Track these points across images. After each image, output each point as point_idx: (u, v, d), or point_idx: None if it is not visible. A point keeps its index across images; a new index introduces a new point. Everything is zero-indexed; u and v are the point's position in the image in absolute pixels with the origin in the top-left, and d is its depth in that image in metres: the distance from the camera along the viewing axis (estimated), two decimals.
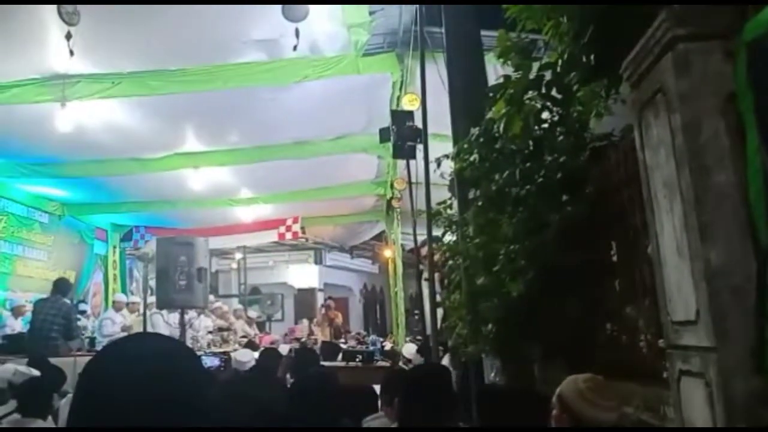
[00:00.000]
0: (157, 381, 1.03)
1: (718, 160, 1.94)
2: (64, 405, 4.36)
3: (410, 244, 8.39)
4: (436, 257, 5.59)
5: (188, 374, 1.09)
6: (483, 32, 5.69)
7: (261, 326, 14.66)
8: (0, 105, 7.11)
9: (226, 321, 12.37)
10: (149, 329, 9.26)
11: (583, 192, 3.47)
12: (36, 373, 4.54)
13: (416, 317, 8.37)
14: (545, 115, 3.78)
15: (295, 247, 18.09)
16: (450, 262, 4.87)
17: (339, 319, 13.83)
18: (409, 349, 7.24)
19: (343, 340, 12.49)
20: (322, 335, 12.87)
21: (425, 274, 6.33)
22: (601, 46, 3.04)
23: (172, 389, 1.04)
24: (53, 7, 5.51)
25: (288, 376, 5.42)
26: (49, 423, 4.05)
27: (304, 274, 19.26)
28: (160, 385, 1.03)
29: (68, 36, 5.62)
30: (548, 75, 3.56)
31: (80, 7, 5.50)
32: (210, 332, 11.03)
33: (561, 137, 3.77)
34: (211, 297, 13.60)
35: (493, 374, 4.46)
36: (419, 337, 8.78)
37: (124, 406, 1.00)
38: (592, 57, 3.16)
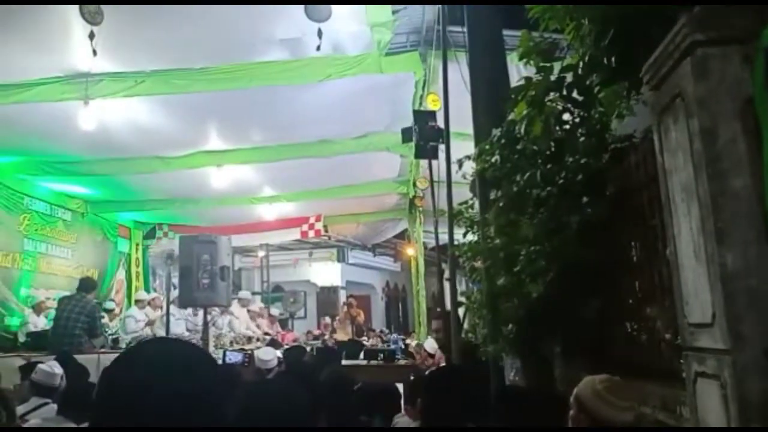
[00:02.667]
0: (175, 386, 1.07)
1: (736, 165, 1.95)
2: None
3: (433, 243, 8.40)
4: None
5: (205, 379, 1.13)
6: (505, 32, 5.70)
7: (283, 324, 14.78)
8: (24, 103, 7.18)
9: (254, 321, 12.53)
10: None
11: (603, 193, 3.48)
12: (59, 371, 4.60)
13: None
14: (566, 116, 3.80)
15: (318, 245, 18.17)
16: (470, 262, 4.90)
17: (361, 317, 13.89)
18: (431, 345, 7.28)
19: (365, 338, 12.54)
20: (343, 333, 12.95)
21: (446, 274, 6.37)
22: (622, 47, 3.06)
23: (189, 393, 1.08)
24: (77, 6, 5.59)
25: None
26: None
27: (326, 272, 19.35)
28: (178, 390, 1.07)
29: (91, 35, 5.70)
30: (569, 77, 3.59)
31: (103, 6, 5.58)
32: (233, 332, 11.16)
33: (582, 139, 3.78)
34: (247, 293, 13.79)
35: (513, 374, 4.48)
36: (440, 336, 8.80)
37: (142, 409, 1.04)
38: (613, 59, 3.18)
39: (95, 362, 6.41)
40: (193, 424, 1.06)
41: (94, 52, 5.87)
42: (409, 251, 14.30)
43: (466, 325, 5.77)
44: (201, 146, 9.43)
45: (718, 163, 1.97)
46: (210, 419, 1.09)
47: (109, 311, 11.15)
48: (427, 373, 5.14)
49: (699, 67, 2.04)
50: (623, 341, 3.47)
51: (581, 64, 3.43)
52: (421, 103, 7.66)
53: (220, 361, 6.38)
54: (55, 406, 4.14)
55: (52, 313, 8.97)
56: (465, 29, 5.80)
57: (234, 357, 6.49)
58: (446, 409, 2.55)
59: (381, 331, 15.28)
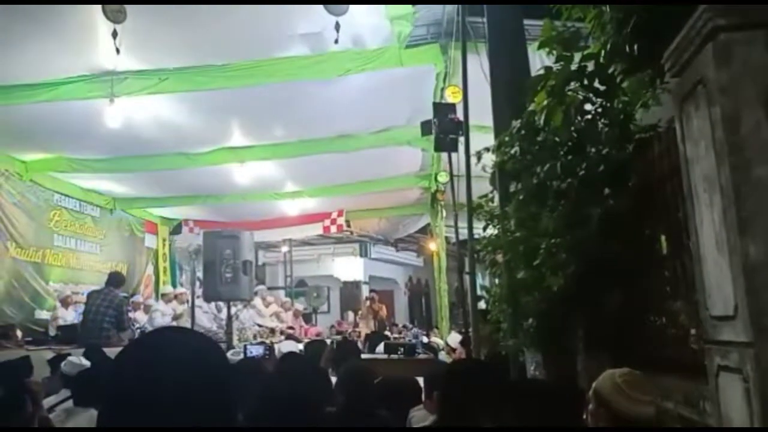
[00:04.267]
0: (182, 372, 1.08)
1: (759, 153, 1.90)
2: None
3: (455, 237, 8.36)
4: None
5: (211, 366, 1.13)
6: (527, 22, 5.63)
7: (307, 318, 14.84)
8: (52, 102, 7.31)
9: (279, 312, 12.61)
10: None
11: (626, 185, 3.42)
12: (87, 363, 4.67)
13: (461, 310, 8.36)
14: (588, 106, 3.73)
15: (341, 240, 18.22)
16: (490, 256, 4.85)
17: (383, 312, 13.90)
18: (454, 339, 7.25)
19: (388, 332, 12.55)
20: (366, 328, 12.96)
21: (467, 268, 6.32)
22: (644, 35, 3.00)
23: (195, 380, 1.08)
24: (100, 6, 5.66)
25: (330, 369, 5.50)
26: None
27: (349, 267, 19.39)
28: (184, 377, 1.07)
29: (114, 34, 5.76)
30: (591, 66, 3.52)
31: (126, 6, 5.64)
32: (258, 325, 11.22)
33: (605, 129, 3.71)
34: (263, 286, 13.88)
35: (533, 368, 4.43)
36: (463, 330, 8.77)
37: (150, 395, 1.05)
38: (635, 46, 3.11)
39: None
40: (198, 408, 1.07)
41: (117, 51, 5.93)
42: (432, 246, 14.26)
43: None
44: (224, 143, 9.51)
45: (741, 152, 1.92)
46: (216, 405, 1.09)
47: (135, 306, 11.33)
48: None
49: (721, 53, 1.99)
50: (646, 335, 3.41)
51: (603, 52, 3.37)
52: (441, 96, 7.60)
53: (241, 355, 6.41)
54: None
55: (81, 306, 9.13)
56: (485, 20, 5.74)
57: (255, 350, 6.54)
58: (463, 401, 2.52)
59: (403, 326, 15.26)
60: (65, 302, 10.13)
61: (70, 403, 4.13)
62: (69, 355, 5.37)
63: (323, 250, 18.84)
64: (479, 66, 5.94)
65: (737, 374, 1.91)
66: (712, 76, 2.01)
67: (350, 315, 14.66)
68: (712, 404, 2.16)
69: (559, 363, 4.11)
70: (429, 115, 7.22)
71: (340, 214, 13.94)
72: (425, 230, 15.52)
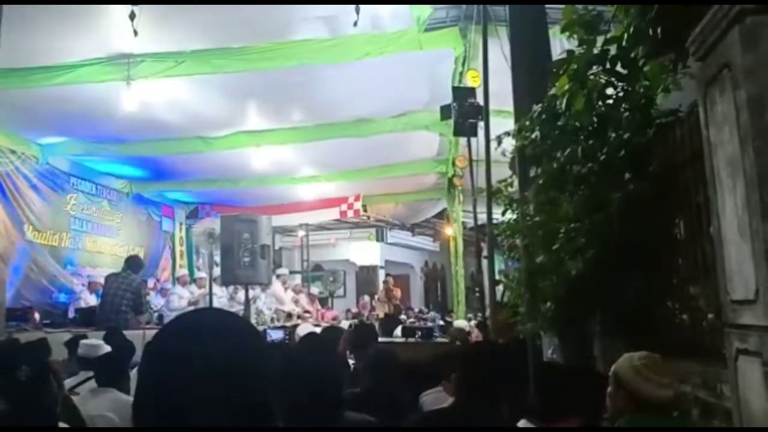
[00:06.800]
0: (220, 353, 1.07)
1: None
2: (134, 376, 4.56)
3: (472, 223, 8.35)
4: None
5: (250, 347, 1.12)
6: (548, 6, 5.59)
7: (323, 302, 14.92)
8: (68, 85, 7.33)
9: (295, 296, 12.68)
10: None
11: (646, 170, 3.41)
12: (101, 344, 4.72)
13: (477, 294, 8.38)
14: (610, 91, 3.71)
15: (357, 225, 18.24)
16: (509, 240, 4.86)
17: (398, 295, 13.95)
18: (460, 325, 7.28)
19: (404, 317, 12.59)
20: (383, 312, 13.02)
21: (485, 252, 6.33)
22: (668, 19, 2.97)
23: (234, 362, 1.07)
24: None
25: (348, 352, 5.55)
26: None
27: (365, 252, 19.43)
28: (222, 358, 1.06)
29: (132, 16, 5.76)
30: (613, 50, 3.50)
31: None
32: (276, 309, 11.29)
33: (626, 114, 3.69)
34: (285, 269, 13.92)
35: (550, 352, 4.45)
36: (479, 315, 8.79)
37: (187, 377, 1.04)
38: (659, 30, 3.09)
39: (141, 338, 6.57)
40: (238, 391, 1.06)
41: (135, 33, 5.93)
42: (448, 231, 14.25)
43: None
44: (241, 126, 9.54)
45: (766, 136, 1.91)
46: (254, 385, 1.10)
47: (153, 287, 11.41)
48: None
49: (748, 37, 1.98)
50: (665, 320, 3.41)
51: (625, 36, 3.35)
52: (460, 80, 7.57)
53: None
54: None
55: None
56: (506, 4, 5.70)
57: (275, 334, 6.58)
58: (481, 384, 2.54)
59: (420, 311, 15.32)
60: (92, 286, 10.15)
61: (92, 383, 4.20)
62: (86, 337, 5.43)
63: (340, 235, 18.89)
64: (500, 50, 5.91)
65: (757, 358, 1.92)
66: (738, 60, 2.00)
67: (365, 298, 14.70)
68: (731, 388, 2.17)
69: (576, 347, 4.13)
70: (448, 99, 7.19)
71: (356, 198, 13.95)
72: (441, 215, 15.52)
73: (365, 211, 14.94)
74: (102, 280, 9.25)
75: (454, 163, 10.82)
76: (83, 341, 4.90)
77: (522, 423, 2.52)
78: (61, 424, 2.74)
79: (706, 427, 2.28)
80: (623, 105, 3.68)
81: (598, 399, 2.42)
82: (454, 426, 2.37)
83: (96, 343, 4.75)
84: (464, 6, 6.96)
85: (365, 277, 19.41)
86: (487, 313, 6.31)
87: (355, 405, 2.79)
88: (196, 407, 1.03)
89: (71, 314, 9.31)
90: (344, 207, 14.20)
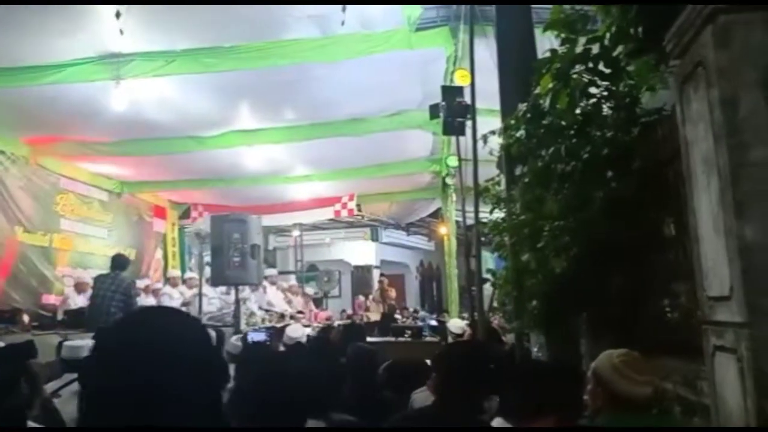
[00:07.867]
0: (156, 352, 1.11)
1: (757, 136, 1.91)
2: None
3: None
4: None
5: (190, 343, 1.16)
6: (536, 6, 5.60)
7: (318, 302, 14.92)
8: (58, 84, 7.28)
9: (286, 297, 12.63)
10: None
11: (629, 168, 3.42)
12: (84, 344, 4.68)
13: (472, 293, 8.38)
14: (593, 89, 3.72)
15: (352, 225, 18.24)
16: (497, 239, 4.87)
17: (393, 295, 13.95)
18: (454, 324, 7.28)
19: (399, 316, 12.58)
20: (377, 312, 13.02)
21: (473, 251, 6.34)
22: (648, 18, 2.98)
23: (170, 360, 1.11)
24: None
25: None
26: None
27: (360, 251, 19.43)
28: (159, 356, 1.10)
29: (117, 15, 5.74)
30: (596, 48, 3.51)
31: None
32: (267, 310, 11.21)
33: (611, 112, 3.70)
34: (273, 270, 13.86)
35: (536, 350, 4.46)
36: (475, 314, 8.77)
37: (130, 371, 1.08)
38: (639, 30, 3.10)
39: None
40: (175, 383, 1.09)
41: (121, 32, 5.92)
42: (442, 230, 14.26)
43: (495, 304, 5.75)
44: (233, 126, 9.48)
45: (739, 134, 1.92)
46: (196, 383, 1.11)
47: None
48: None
49: (720, 35, 1.99)
50: (648, 317, 3.42)
51: (608, 35, 3.36)
52: (451, 79, 7.58)
53: (240, 342, 6.29)
54: None
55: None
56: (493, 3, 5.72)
57: (257, 336, 6.45)
58: (461, 382, 2.54)
59: (414, 311, 15.32)
60: (79, 288, 10.05)
61: (75, 386, 4.18)
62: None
63: (334, 235, 18.88)
64: (489, 49, 5.92)
65: (732, 354, 1.93)
66: (711, 57, 2.01)
67: (361, 299, 14.69)
68: (709, 384, 2.18)
69: (563, 345, 4.14)
70: (440, 98, 7.19)
71: (351, 198, 13.93)
72: (436, 214, 15.52)
73: (360, 210, 14.93)
74: (89, 281, 9.18)
75: (447, 162, 10.83)
76: (66, 343, 4.82)
77: (497, 422, 2.53)
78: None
79: (682, 427, 2.28)
80: (607, 103, 3.69)
81: (577, 397, 2.42)
82: (432, 426, 2.37)
83: (79, 344, 4.71)
84: (454, 6, 6.97)
85: (360, 277, 19.41)
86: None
87: (336, 405, 2.79)
88: (135, 403, 1.06)
89: (60, 316, 9.22)
90: (338, 206, 14.18)
